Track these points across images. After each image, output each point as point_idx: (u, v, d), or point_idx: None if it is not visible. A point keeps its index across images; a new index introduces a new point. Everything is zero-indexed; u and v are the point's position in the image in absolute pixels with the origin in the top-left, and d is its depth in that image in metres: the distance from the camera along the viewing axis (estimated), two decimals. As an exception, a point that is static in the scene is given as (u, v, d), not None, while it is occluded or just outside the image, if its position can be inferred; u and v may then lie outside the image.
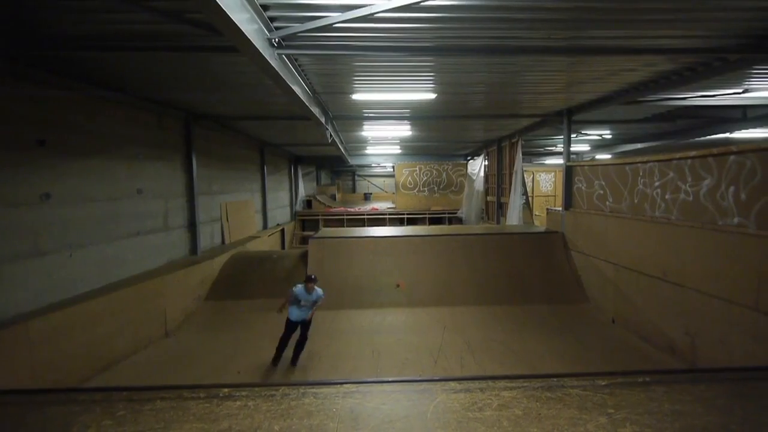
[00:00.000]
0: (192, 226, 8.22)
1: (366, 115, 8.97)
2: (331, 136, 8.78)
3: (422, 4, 3.23)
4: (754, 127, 9.48)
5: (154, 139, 7.08)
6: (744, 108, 9.07)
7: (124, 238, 6.24)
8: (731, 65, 5.01)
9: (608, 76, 6.26)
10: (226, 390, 2.91)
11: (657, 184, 6.09)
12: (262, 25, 3.47)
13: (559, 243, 8.68)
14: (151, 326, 6.24)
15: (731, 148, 4.88)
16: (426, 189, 16.73)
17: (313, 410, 2.59)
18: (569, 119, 8.58)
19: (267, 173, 12.88)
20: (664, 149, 11.82)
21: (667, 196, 5.89)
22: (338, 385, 2.91)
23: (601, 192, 7.49)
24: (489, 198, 13.95)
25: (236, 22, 2.67)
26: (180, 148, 7.90)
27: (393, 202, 18.13)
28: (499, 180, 12.76)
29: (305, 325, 5.63)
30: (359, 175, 26.18)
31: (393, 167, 17.94)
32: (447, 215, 16.13)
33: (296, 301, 5.52)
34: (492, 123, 10.98)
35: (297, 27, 3.49)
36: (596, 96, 7.50)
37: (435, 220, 16.24)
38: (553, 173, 17.43)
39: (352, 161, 17.55)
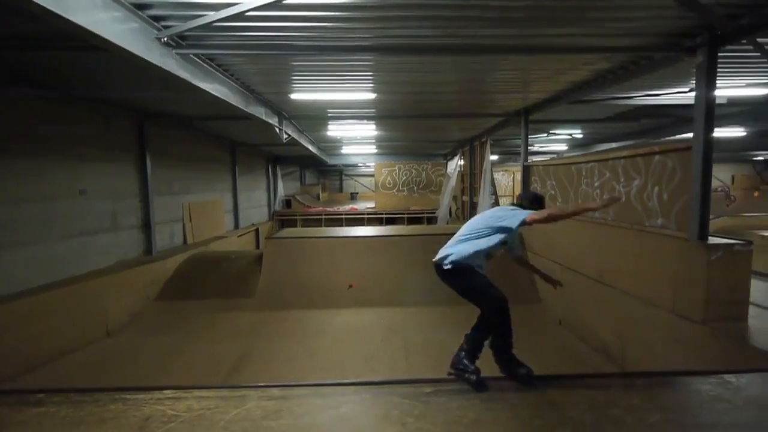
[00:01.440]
0: (146, 226, 8.23)
1: (329, 114, 8.95)
2: (288, 135, 8.75)
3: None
4: (721, 126, 9.34)
5: (101, 139, 7.09)
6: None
7: (64, 239, 6.24)
8: (656, 64, 4.93)
9: (555, 76, 6.19)
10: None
11: (597, 184, 6.02)
12: (144, 24, 3.46)
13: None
14: (91, 326, 6.24)
15: (655, 148, 4.82)
16: (405, 189, 16.68)
17: (108, 417, 2.44)
18: (526, 119, 8.50)
19: (239, 173, 12.88)
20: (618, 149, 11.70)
21: (605, 197, 5.81)
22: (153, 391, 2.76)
23: (552, 192, 7.42)
24: (464, 198, 13.88)
25: (84, 25, 2.65)
26: (132, 148, 7.91)
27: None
28: (471, 180, 12.69)
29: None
30: (346, 175, 26.16)
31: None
32: (426, 215, 16.06)
33: None
34: (458, 123, 10.94)
35: (181, 26, 3.47)
36: (548, 95, 7.43)
37: (414, 220, 16.18)
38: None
39: (333, 161, 17.54)
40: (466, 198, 13.48)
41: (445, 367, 5.41)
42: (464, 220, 13.67)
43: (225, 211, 12.11)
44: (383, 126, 10.88)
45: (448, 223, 14.28)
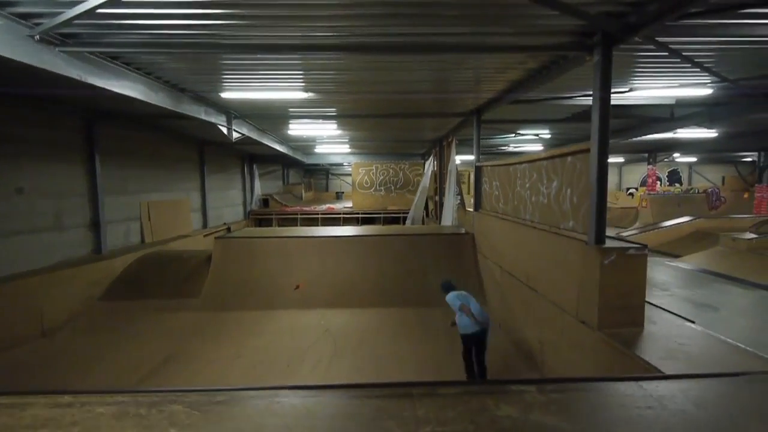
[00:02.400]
0: (95, 225, 8.25)
1: (290, 114, 8.89)
2: (242, 134, 8.73)
3: None
4: (683, 126, 9.16)
5: (43, 137, 7.10)
6: (671, 108, 8.78)
7: (-3, 237, 6.27)
8: (570, 63, 4.82)
9: (496, 75, 6.12)
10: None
11: (527, 185, 5.91)
12: (9, 22, 3.44)
13: (469, 245, 8.51)
14: (24, 326, 6.25)
15: (566, 150, 4.71)
16: (383, 188, 16.61)
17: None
18: (479, 118, 8.39)
19: (208, 172, 12.89)
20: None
21: (533, 199, 5.71)
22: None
23: (497, 193, 7.32)
24: (436, 198, 13.77)
25: None
26: (80, 147, 7.92)
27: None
28: (440, 180, 12.59)
29: (482, 336, 4.86)
30: (333, 174, 26.15)
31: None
32: (403, 215, 15.96)
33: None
34: (427, 123, 10.84)
35: (49, 22, 3.44)
36: (494, 95, 7.33)
37: (391, 220, 16.11)
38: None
39: (314, 161, 17.52)
40: (438, 198, 13.37)
41: (369, 369, 5.44)
42: (437, 220, 13.56)
43: (192, 210, 12.12)
44: (347, 125, 10.82)
45: (423, 224, 14.19)
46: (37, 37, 3.58)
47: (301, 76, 6.00)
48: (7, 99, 6.34)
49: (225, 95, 6.44)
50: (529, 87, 6.11)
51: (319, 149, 15.66)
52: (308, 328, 6.91)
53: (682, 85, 5.91)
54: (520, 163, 6.14)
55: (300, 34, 4.37)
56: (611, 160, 23.24)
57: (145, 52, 4.62)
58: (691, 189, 23.77)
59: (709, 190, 23.49)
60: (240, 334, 6.67)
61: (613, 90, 6.36)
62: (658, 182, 25.74)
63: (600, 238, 3.95)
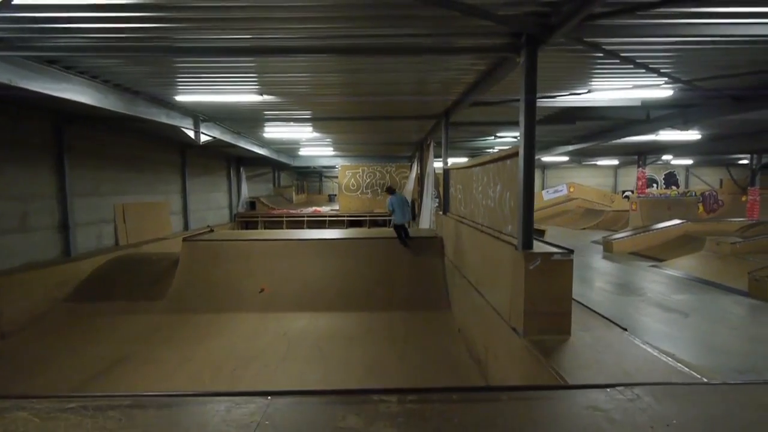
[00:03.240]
0: (64, 227, 8.30)
1: (265, 116, 8.91)
2: (212, 137, 8.74)
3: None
4: (660, 128, 9.00)
5: (6, 139, 7.16)
6: (647, 110, 8.63)
7: (-46, 240, 6.32)
8: (512, 64, 4.73)
9: (457, 77, 6.08)
10: None
11: (480, 189, 5.83)
12: None
13: (437, 248, 8.43)
14: (-20, 327, 6.29)
15: (503, 153, 4.63)
16: (369, 191, 16.57)
17: None
18: (447, 120, 8.33)
19: (190, 175, 12.95)
20: (579, 152, 11.41)
21: (484, 202, 5.63)
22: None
23: (460, 197, 7.24)
24: (417, 200, 13.70)
25: None
26: (47, 149, 7.98)
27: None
28: (421, 182, 12.51)
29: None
30: (326, 177, 26.18)
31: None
32: (388, 218, 15.88)
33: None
34: (411, 125, 10.77)
35: None
36: (457, 97, 7.26)
37: (377, 223, 16.05)
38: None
39: (298, 163, 17.54)
40: (418, 200, 13.31)
41: (313, 377, 5.38)
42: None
43: (172, 212, 12.17)
44: (323, 128, 10.81)
45: (410, 226, 14.10)
46: None
47: (255, 79, 5.99)
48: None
49: (180, 98, 6.45)
50: (483, 89, 6.04)
51: (304, 152, 15.67)
52: (266, 331, 6.86)
53: (636, 87, 5.79)
54: (474, 166, 6.06)
55: (252, 36, 4.36)
56: (605, 162, 23.11)
57: (84, 56, 4.63)
58: (688, 192, 23.42)
59: (706, 193, 23.15)
60: (197, 337, 6.64)
61: (572, 92, 6.37)
62: (654, 185, 25.44)
63: (527, 242, 3.86)
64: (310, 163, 18.31)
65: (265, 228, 15.67)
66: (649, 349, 3.49)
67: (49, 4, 3.46)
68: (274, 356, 5.96)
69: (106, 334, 6.78)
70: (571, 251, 3.78)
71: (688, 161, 22.30)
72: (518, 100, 6.83)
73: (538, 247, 3.97)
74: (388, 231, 12.01)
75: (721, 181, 23.73)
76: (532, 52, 3.75)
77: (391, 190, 8.96)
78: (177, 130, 9.70)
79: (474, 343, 5.70)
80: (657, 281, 10.38)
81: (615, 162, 23.61)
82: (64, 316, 7.38)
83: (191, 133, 8.05)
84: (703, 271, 10.47)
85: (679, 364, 3.18)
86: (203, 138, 8.40)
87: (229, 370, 5.58)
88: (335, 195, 24.88)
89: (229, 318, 7.38)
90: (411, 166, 16.27)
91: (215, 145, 12.79)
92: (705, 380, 2.84)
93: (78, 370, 5.60)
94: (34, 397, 2.34)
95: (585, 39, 3.86)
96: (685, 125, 7.91)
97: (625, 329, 3.96)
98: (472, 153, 16.67)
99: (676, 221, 14.66)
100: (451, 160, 8.23)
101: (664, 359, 3.29)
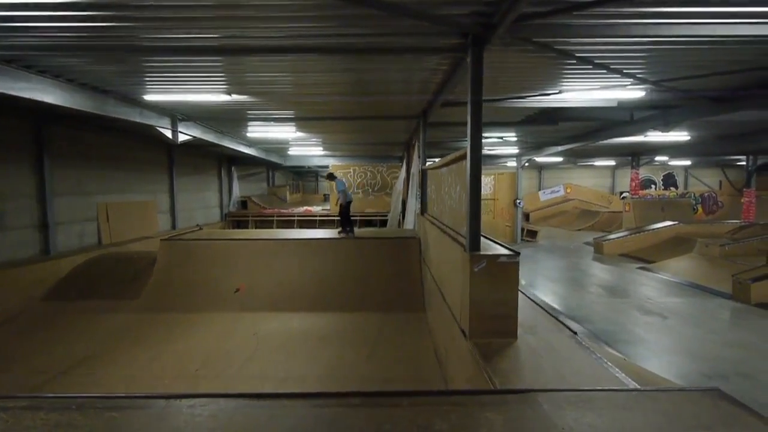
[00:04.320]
0: (44, 226, 8.35)
1: (248, 116, 8.91)
2: (192, 137, 8.76)
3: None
4: (641, 130, 8.88)
5: (-18, 140, 7.24)
6: (631, 110, 8.53)
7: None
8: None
9: (429, 77, 6.03)
10: None
11: (446, 189, 5.78)
12: None
13: (415, 248, 8.38)
14: (-48, 325, 6.34)
15: (458, 154, 4.59)
16: (360, 191, 16.55)
17: None
18: (425, 121, 8.28)
19: (178, 174, 12.99)
20: (572, 153, 11.30)
21: (449, 203, 5.58)
22: None
23: (434, 197, 7.19)
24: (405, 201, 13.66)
25: None
26: (26, 148, 8.04)
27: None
28: (408, 182, 12.48)
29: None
30: (322, 176, 26.17)
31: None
32: (379, 218, 15.87)
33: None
34: (398, 125, 10.70)
35: None
36: (430, 97, 7.21)
37: (370, 222, 16.01)
38: (492, 176, 16.99)
39: (290, 162, 17.57)
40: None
41: (268, 375, 5.36)
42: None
43: (160, 211, 12.22)
44: (309, 128, 10.80)
45: (400, 227, 14.07)
46: None
47: (224, 79, 5.99)
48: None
49: (149, 98, 6.46)
50: (450, 88, 5.98)
51: (293, 152, 15.67)
52: (237, 331, 6.85)
53: (604, 87, 5.71)
54: (442, 166, 6.01)
55: (219, 35, 4.36)
56: (602, 163, 22.89)
57: (41, 55, 4.64)
58: (687, 193, 23.14)
59: (706, 194, 22.86)
60: (168, 337, 6.64)
61: (542, 92, 6.30)
62: (653, 186, 25.16)
63: (474, 243, 3.81)
64: (302, 163, 18.33)
65: (256, 227, 15.70)
66: (593, 354, 3.43)
67: (4, 3, 3.45)
68: (240, 356, 5.94)
69: (79, 332, 6.80)
70: (518, 254, 3.73)
71: (686, 162, 22.02)
72: (489, 101, 6.81)
73: (488, 248, 3.92)
74: (370, 231, 12.00)
75: (721, 182, 23.44)
76: (477, 51, 3.70)
77: (331, 176, 10.00)
78: (156, 129, 9.78)
79: (438, 345, 5.66)
80: (643, 284, 10.27)
81: (612, 163, 23.39)
82: (39, 315, 7.42)
83: (168, 133, 8.07)
84: (690, 274, 10.34)
85: (617, 371, 3.11)
86: (182, 137, 8.42)
87: (192, 370, 5.58)
88: (329, 194, 24.96)
89: (203, 318, 7.38)
90: (401, 166, 16.23)
91: (203, 144, 12.88)
92: (631, 387, 2.77)
93: (45, 368, 5.62)
94: None
95: (534, 39, 3.80)
96: (666, 126, 7.79)
97: (575, 333, 3.90)
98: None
99: (668, 223, 14.50)
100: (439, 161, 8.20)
101: (605, 365, 3.22)
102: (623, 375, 2.99)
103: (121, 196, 10.56)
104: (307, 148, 15.23)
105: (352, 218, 15.68)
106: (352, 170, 16.55)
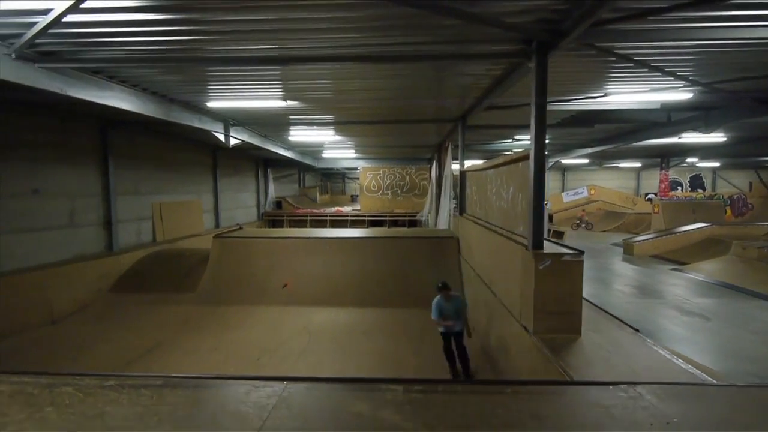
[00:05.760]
0: (108, 223, 8.96)
1: (290, 120, 9.37)
2: (241, 141, 9.24)
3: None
4: (679, 132, 8.93)
5: (56, 142, 7.83)
6: (668, 112, 8.61)
7: (14, 233, 6.96)
8: (525, 69, 4.94)
9: (473, 82, 6.30)
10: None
11: (494, 191, 6.03)
12: None
13: (453, 248, 8.64)
14: (33, 314, 6.91)
15: (514, 156, 4.84)
16: (389, 192, 16.90)
17: None
18: (464, 124, 8.53)
19: (221, 175, 13.60)
20: (599, 155, 11.35)
21: (497, 203, 5.83)
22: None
23: (475, 198, 7.45)
24: (436, 201, 13.92)
25: None
26: (94, 151, 8.66)
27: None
28: (439, 184, 12.73)
29: (458, 335, 5.18)
30: (348, 178, 26.68)
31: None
32: (408, 218, 16.17)
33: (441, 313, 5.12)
34: (430, 128, 11.00)
35: (18, 41, 3.94)
36: (473, 101, 7.47)
37: (397, 223, 16.34)
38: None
39: (322, 165, 18.05)
40: (437, 202, 13.51)
41: (331, 367, 5.71)
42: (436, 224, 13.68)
43: (204, 211, 12.83)
44: (346, 131, 11.18)
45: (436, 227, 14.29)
46: (13, 55, 4.10)
47: (280, 86, 6.39)
48: (20, 107, 7.04)
49: (211, 105, 6.92)
50: (498, 93, 6.23)
51: (327, 154, 16.14)
52: (288, 324, 7.26)
53: (653, 90, 5.86)
54: (488, 168, 6.27)
55: (279, 46, 4.72)
56: (627, 165, 22.62)
57: (124, 67, 5.11)
58: (715, 195, 22.66)
59: (735, 196, 22.34)
60: (224, 328, 7.10)
61: (588, 95, 6.48)
62: (679, 188, 24.70)
63: (537, 242, 4.05)
64: (333, 165, 18.81)
65: (290, 226, 16.20)
66: (660, 351, 3.55)
67: (93, 21, 3.87)
68: (295, 347, 6.33)
69: (143, 322, 7.32)
70: (582, 252, 3.95)
71: (715, 164, 21.59)
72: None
73: (550, 247, 4.15)
74: (407, 231, 12.30)
75: (751, 184, 22.86)
76: (542, 57, 3.95)
77: (439, 289, 5.21)
78: (208, 133, 10.25)
79: (486, 339, 5.90)
80: (678, 284, 10.25)
81: (637, 164, 23.11)
82: (107, 305, 8.00)
83: (221, 137, 8.55)
84: (727, 275, 10.27)
85: (690, 366, 3.23)
86: (233, 141, 8.90)
87: (253, 359, 5.99)
88: (357, 195, 25.39)
89: (254, 310, 7.82)
90: (430, 168, 16.49)
91: (243, 147, 13.42)
92: (714, 382, 2.93)
93: (117, 354, 6.12)
94: (78, 375, 2.66)
95: (596, 44, 4.02)
96: (707, 128, 7.84)
97: (637, 330, 4.08)
98: (489, 155, 16.76)
99: (700, 224, 14.33)
100: (469, 162, 8.43)
101: (675, 361, 3.34)
102: (698, 371, 3.10)
103: (170, 196, 11.16)
104: (340, 151, 15.65)
105: (379, 218, 15.79)
106: (381, 172, 16.91)
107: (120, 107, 5.65)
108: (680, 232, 14.10)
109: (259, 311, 7.79)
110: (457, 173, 13.07)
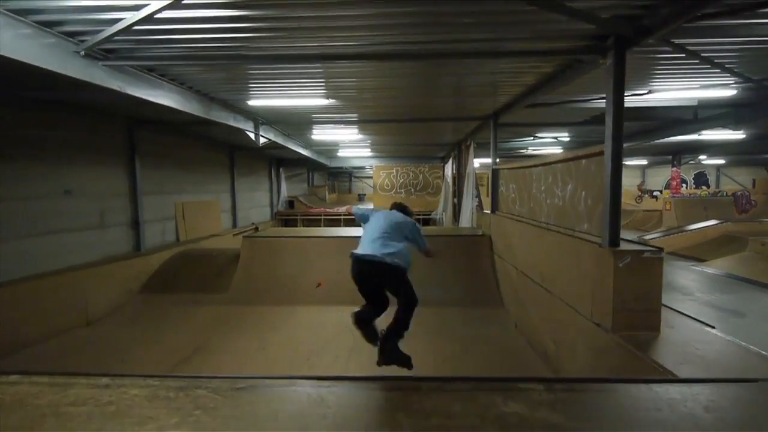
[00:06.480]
0: (135, 224, 8.83)
1: (313, 119, 9.31)
2: (268, 139, 9.16)
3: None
4: (707, 128, 9.01)
5: (87, 142, 7.70)
6: (695, 109, 8.67)
7: (48, 235, 6.83)
8: (585, 67, 4.94)
9: (512, 79, 6.29)
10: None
11: (543, 188, 6.03)
12: (60, 39, 3.90)
13: (486, 246, 8.65)
14: (70, 316, 6.79)
15: (580, 153, 4.84)
16: (403, 191, 16.87)
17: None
18: (495, 122, 8.53)
19: (238, 175, 13.48)
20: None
21: (548, 201, 5.84)
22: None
23: (513, 196, 7.45)
24: (454, 200, 13.91)
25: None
26: (121, 151, 8.53)
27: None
28: (459, 182, 12.72)
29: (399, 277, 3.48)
30: (355, 177, 26.61)
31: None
32: (422, 216, 16.14)
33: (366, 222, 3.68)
34: (446, 126, 11.01)
35: (92, 39, 3.86)
36: (510, 99, 7.46)
37: (410, 222, 16.29)
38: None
39: (336, 164, 17.99)
40: (456, 200, 13.51)
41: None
42: (456, 221, 13.68)
43: (222, 210, 12.71)
44: (368, 130, 11.13)
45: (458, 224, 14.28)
46: (83, 53, 4.02)
47: (322, 84, 6.33)
48: (52, 106, 6.90)
49: (252, 103, 6.84)
50: (544, 91, 6.23)
51: (342, 153, 16.07)
52: (328, 324, 7.19)
53: (703, 87, 5.90)
54: (536, 165, 6.26)
55: (320, 44, 4.66)
56: (634, 162, 22.92)
57: (177, 65, 5.04)
58: (719, 192, 22.98)
59: (738, 193, 22.66)
60: (263, 328, 7.03)
61: (631, 92, 6.50)
62: (684, 185, 25.02)
63: (614, 240, 4.06)
64: (344, 164, 18.75)
65: (303, 226, 16.12)
66: (750, 348, 3.52)
67: (158, 18, 3.77)
68: (342, 347, 6.26)
69: (180, 323, 7.22)
70: (661, 249, 3.97)
71: (721, 161, 21.88)
72: (578, 101, 7.03)
73: (625, 245, 4.16)
74: (434, 229, 12.24)
75: (754, 181, 23.21)
76: (620, 53, 3.95)
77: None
78: (227, 133, 10.23)
79: (537, 338, 5.91)
80: (700, 281, 10.32)
81: (644, 162, 23.32)
82: (139, 306, 7.89)
83: (252, 135, 8.47)
84: (748, 272, 10.38)
85: None
86: (261, 140, 8.83)
87: (302, 360, 5.93)
88: (364, 195, 25.32)
89: (290, 310, 7.75)
90: (443, 166, 16.49)
91: (259, 147, 13.34)
92: None
93: (164, 356, 6.03)
94: (204, 377, 2.61)
95: (672, 40, 4.03)
96: (736, 125, 7.93)
97: (713, 327, 4.10)
98: (502, 154, 16.80)
99: (714, 221, 14.52)
100: (483, 161, 8.44)
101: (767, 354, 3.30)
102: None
103: (191, 196, 11.04)
104: (354, 150, 15.59)
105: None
106: (394, 171, 16.88)
107: (171, 106, 5.56)
108: (694, 229, 14.27)
109: (297, 311, 7.72)
110: (481, 172, 13.14)
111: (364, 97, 7.33)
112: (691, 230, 14.41)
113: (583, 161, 4.78)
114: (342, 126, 10.02)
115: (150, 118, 8.73)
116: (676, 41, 4.06)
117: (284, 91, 6.48)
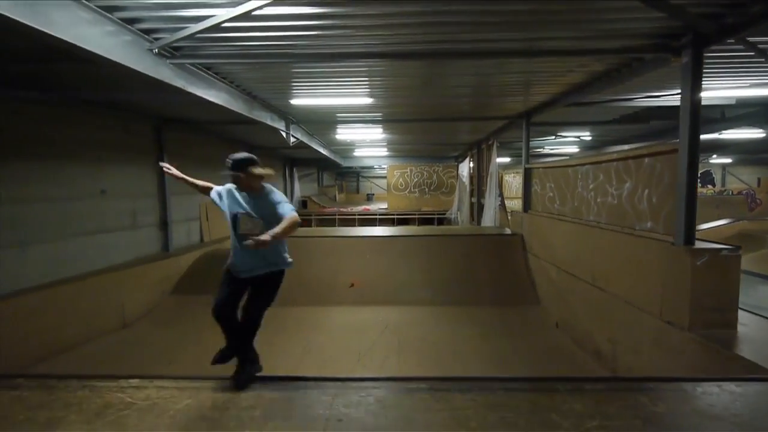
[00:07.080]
0: (164, 224, 8.72)
1: (337, 119, 9.24)
2: (296, 139, 9.08)
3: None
4: (734, 128, 9.07)
5: (119, 142, 7.58)
6: (722, 108, 8.71)
7: (83, 236, 6.71)
8: (647, 65, 4.93)
9: (553, 78, 6.25)
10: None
11: (591, 186, 6.02)
12: (136, 37, 3.83)
13: (518, 245, 8.63)
14: (107, 318, 6.68)
15: (644, 151, 4.83)
16: (417, 190, 16.84)
17: (73, 402, 2.65)
18: (528, 121, 8.52)
19: (254, 175, 13.33)
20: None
21: (598, 200, 5.82)
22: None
23: (551, 195, 7.44)
24: (472, 199, 13.90)
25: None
26: (151, 150, 8.42)
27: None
28: (479, 182, 12.72)
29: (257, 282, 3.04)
30: (363, 177, 26.53)
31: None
32: (437, 216, 16.14)
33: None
34: (466, 126, 10.98)
35: (169, 37, 3.79)
36: (547, 98, 7.45)
37: (425, 221, 16.29)
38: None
39: (348, 163, 17.91)
40: (474, 199, 13.50)
41: (437, 364, 5.63)
42: (474, 221, 13.67)
43: (239, 211, 12.57)
44: (391, 129, 11.08)
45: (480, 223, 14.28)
46: (156, 50, 3.93)
47: (366, 83, 6.26)
48: (86, 105, 6.79)
49: (294, 102, 6.77)
50: (589, 90, 6.22)
51: (357, 152, 16.00)
52: (367, 324, 7.14)
53: (753, 85, 5.92)
54: (583, 165, 6.25)
55: (381, 42, 4.60)
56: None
57: (229, 63, 4.96)
58: (724, 190, 23.20)
59: (744, 191, 22.89)
60: (303, 330, 6.94)
61: (671, 92, 6.51)
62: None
63: (689, 239, 4.05)
64: (357, 164, 18.67)
65: (317, 226, 16.01)
66: None
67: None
68: (389, 347, 6.20)
69: (215, 324, 7.10)
70: (739, 247, 3.96)
71: (728, 160, 22.04)
72: (621, 100, 7.01)
73: (698, 243, 4.15)
74: (462, 228, 12.19)
75: (759, 179, 23.48)
76: (697, 52, 3.94)
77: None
78: (245, 133, 10.12)
79: (587, 337, 5.89)
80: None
81: (652, 161, 23.44)
82: (173, 307, 7.77)
83: (284, 135, 8.40)
84: (768, 269, 10.49)
85: None
86: (292, 139, 8.75)
87: (353, 361, 5.87)
88: (373, 194, 25.25)
89: (325, 311, 7.68)
90: (458, 165, 16.49)
91: (274, 146, 13.26)
92: None
93: (207, 357, 5.94)
94: (311, 379, 2.81)
95: (748, 39, 4.02)
96: (767, 123, 7.97)
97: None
98: (516, 153, 16.79)
99: (727, 220, 14.63)
100: (500, 160, 8.32)
101: None
102: None
103: (212, 196, 10.91)
104: (370, 149, 15.52)
105: (407, 216, 15.20)
106: (409, 170, 16.85)
107: (222, 104, 5.47)
108: (710, 227, 14.35)
109: (334, 312, 7.66)
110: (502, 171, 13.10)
111: (397, 95, 7.26)
112: (705, 229, 14.49)
113: (646, 159, 4.77)
114: (369, 125, 9.95)
115: (175, 117, 8.63)
116: (752, 39, 4.05)
117: (328, 90, 6.40)
